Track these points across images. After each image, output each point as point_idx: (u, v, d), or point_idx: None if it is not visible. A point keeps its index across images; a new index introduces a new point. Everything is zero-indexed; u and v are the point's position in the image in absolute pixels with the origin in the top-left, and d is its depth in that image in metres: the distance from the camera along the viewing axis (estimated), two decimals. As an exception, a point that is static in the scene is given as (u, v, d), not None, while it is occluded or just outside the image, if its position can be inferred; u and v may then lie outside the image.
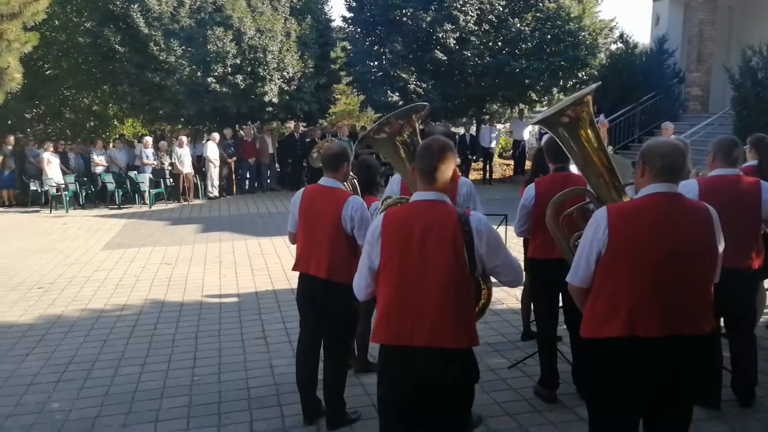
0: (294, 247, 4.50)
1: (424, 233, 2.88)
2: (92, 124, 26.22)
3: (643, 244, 2.85)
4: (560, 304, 4.92)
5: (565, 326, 5.08)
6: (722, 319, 4.65)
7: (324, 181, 4.34)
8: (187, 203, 17.59)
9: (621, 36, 20.29)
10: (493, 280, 3.22)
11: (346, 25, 21.92)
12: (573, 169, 4.66)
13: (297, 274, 4.46)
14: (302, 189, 4.48)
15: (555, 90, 21.25)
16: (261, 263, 9.79)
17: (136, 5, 17.60)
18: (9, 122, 23.94)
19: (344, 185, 4.41)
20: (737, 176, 4.43)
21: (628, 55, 19.48)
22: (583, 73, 20.11)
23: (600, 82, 3.85)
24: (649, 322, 2.86)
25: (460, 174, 4.33)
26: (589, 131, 3.17)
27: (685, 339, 2.89)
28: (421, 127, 3.75)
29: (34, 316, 7.46)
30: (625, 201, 3.24)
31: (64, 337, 6.66)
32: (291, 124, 22.94)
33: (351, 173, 4.60)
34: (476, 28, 19.23)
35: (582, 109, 3.16)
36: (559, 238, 3.52)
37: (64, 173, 17.37)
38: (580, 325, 3.07)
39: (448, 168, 2.97)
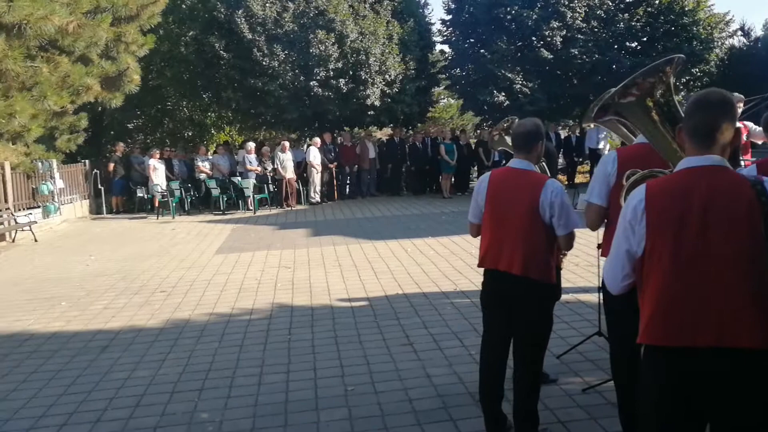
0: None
1: (705, 207, 2.28)
2: (190, 133, 26.63)
3: None
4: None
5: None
6: None
7: (515, 163, 3.78)
8: (290, 209, 17.38)
9: (742, 28, 19.03)
10: None
11: (445, 28, 21.48)
12: None
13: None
14: (487, 174, 3.93)
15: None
16: (383, 267, 9.31)
17: (240, 11, 17.60)
18: (112, 132, 24.58)
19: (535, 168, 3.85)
20: None
21: (751, 48, 18.23)
22: (697, 69, 18.97)
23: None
24: None
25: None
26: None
27: None
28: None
29: (162, 320, 7.18)
30: None
31: (197, 343, 6.32)
32: (384, 131, 22.62)
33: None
34: (584, 25, 18.41)
35: None
36: None
37: (169, 180, 17.49)
38: None
39: (730, 127, 2.36)
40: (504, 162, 17.69)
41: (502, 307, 3.77)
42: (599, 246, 5.30)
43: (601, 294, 3.73)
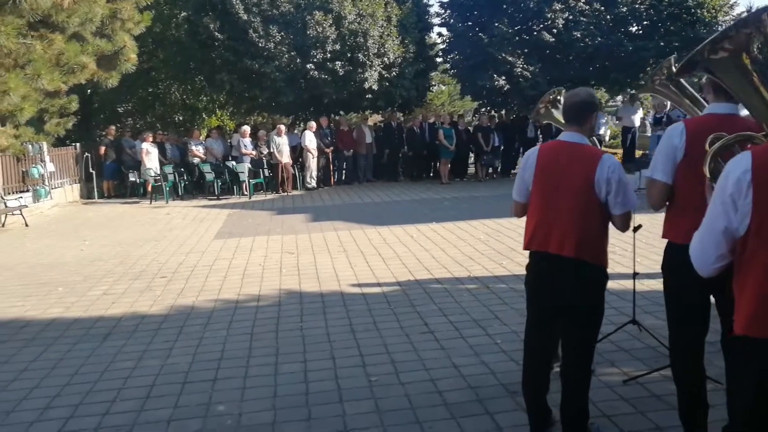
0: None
1: None
2: (181, 117, 26.16)
3: None
4: None
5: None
6: None
7: (567, 136, 3.47)
8: (286, 194, 17.03)
9: (749, 11, 18.73)
10: None
11: (443, 10, 21.12)
12: None
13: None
14: (535, 148, 3.62)
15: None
16: (389, 252, 9.02)
17: (235, -9, 17.17)
18: (102, 115, 24.08)
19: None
20: None
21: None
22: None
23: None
24: None
25: None
26: None
27: None
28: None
29: (165, 306, 6.86)
30: None
31: (204, 330, 6.01)
32: (376, 117, 22.20)
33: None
34: (587, 7, 18.10)
35: None
36: None
37: (161, 164, 17.08)
38: None
39: None
40: (502, 147, 17.31)
41: (551, 292, 3.46)
42: (635, 229, 5.03)
43: (663, 279, 3.42)
